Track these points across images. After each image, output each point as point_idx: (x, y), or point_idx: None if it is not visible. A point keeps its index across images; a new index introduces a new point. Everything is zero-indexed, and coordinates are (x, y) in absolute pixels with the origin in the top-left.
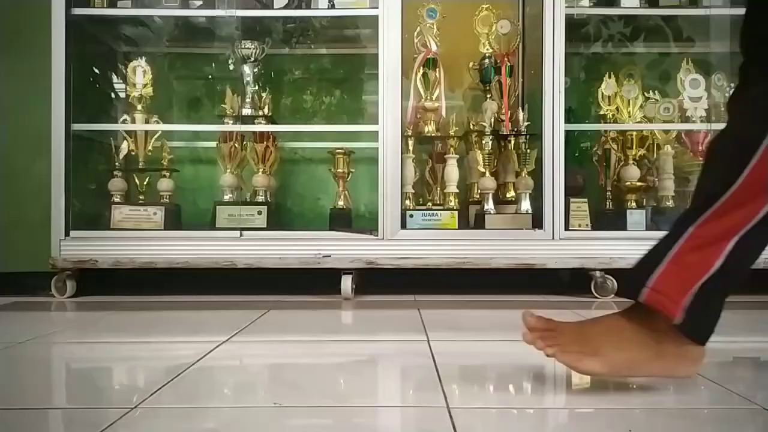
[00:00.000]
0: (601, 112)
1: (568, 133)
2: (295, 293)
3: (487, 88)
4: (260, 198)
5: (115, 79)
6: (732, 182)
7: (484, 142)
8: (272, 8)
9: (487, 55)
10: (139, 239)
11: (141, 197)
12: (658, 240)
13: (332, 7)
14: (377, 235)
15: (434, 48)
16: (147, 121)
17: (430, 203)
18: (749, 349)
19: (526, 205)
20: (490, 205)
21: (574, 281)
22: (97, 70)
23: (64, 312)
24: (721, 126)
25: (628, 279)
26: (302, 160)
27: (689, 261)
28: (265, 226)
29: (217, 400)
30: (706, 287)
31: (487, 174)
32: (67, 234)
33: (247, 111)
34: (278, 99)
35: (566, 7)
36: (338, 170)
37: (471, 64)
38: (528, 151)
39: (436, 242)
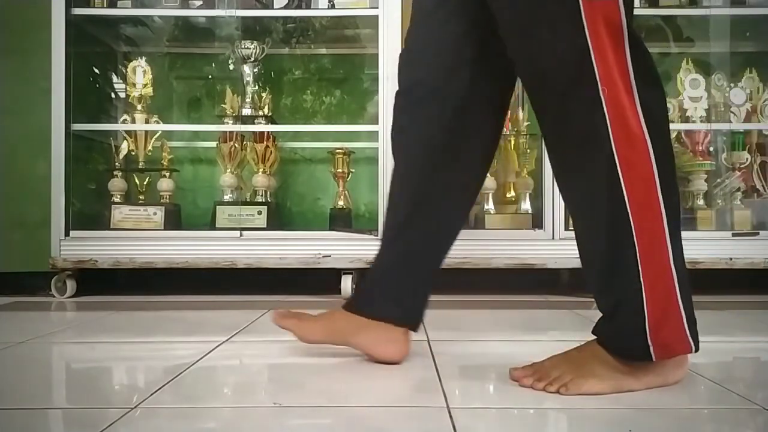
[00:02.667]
0: None
1: None
2: (295, 293)
3: None
4: (260, 198)
5: (115, 79)
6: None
7: None
8: (272, 8)
9: None
10: (138, 239)
11: (141, 197)
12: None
13: (332, 7)
14: (377, 235)
15: None
16: (147, 121)
17: None
18: (749, 349)
19: (526, 205)
20: (490, 205)
21: (574, 281)
22: (97, 70)
23: (64, 312)
24: (722, 126)
25: (624, 340)
26: (302, 160)
27: (660, 294)
28: (265, 226)
29: (217, 400)
30: (684, 302)
31: (488, 174)
32: (67, 234)
33: (247, 111)
34: (278, 99)
35: None
36: (338, 170)
37: None
38: (528, 151)
39: None
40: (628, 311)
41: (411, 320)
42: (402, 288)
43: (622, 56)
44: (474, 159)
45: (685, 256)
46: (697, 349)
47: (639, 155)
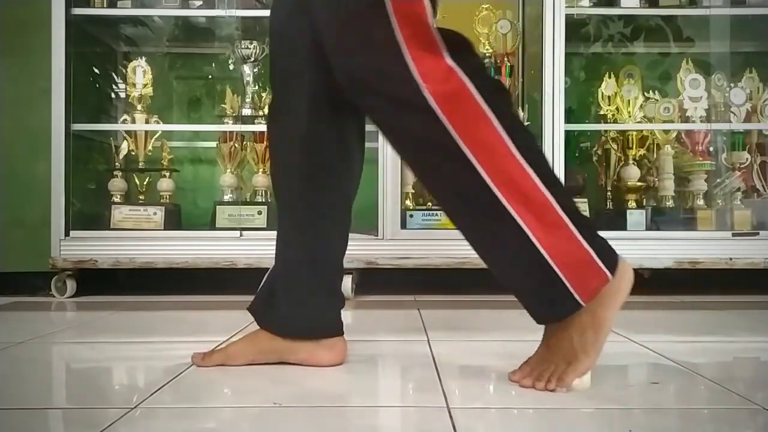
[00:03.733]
0: (601, 112)
1: (568, 133)
2: None
3: None
4: (260, 198)
5: (115, 79)
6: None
7: None
8: None
9: (487, 55)
10: (138, 239)
11: (141, 197)
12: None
13: None
14: (377, 235)
15: None
16: (147, 121)
17: (430, 203)
18: (749, 349)
19: None
20: None
21: None
22: (97, 70)
23: (64, 312)
24: (722, 126)
25: (556, 308)
26: None
27: (563, 247)
28: (265, 226)
29: (217, 400)
30: (587, 239)
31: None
32: (67, 234)
33: (247, 111)
34: None
35: (566, 7)
36: None
37: None
38: None
39: (436, 242)
40: (544, 281)
41: (336, 328)
42: (317, 300)
43: (438, 55)
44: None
45: (685, 256)
46: (613, 272)
47: (485, 131)
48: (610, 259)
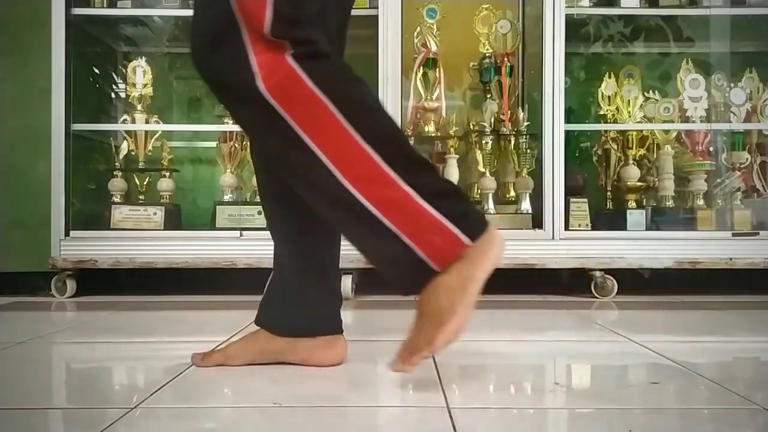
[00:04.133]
0: (601, 112)
1: (568, 133)
2: None
3: (487, 88)
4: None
5: (115, 79)
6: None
7: (484, 142)
8: None
9: (487, 54)
10: (138, 239)
11: (141, 197)
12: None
13: None
14: None
15: (434, 48)
16: (147, 121)
17: None
18: (749, 349)
19: (526, 205)
20: (490, 205)
21: (574, 281)
22: (97, 70)
23: (64, 312)
24: (722, 126)
25: (412, 272)
26: None
27: (409, 217)
28: (265, 226)
29: (217, 400)
30: (440, 207)
31: (487, 174)
32: (67, 234)
33: None
34: None
35: (566, 7)
36: None
37: (471, 64)
38: (528, 151)
39: None
40: (398, 254)
41: (335, 326)
42: (316, 299)
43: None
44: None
45: (685, 256)
46: (474, 237)
47: (318, 112)
48: (471, 225)
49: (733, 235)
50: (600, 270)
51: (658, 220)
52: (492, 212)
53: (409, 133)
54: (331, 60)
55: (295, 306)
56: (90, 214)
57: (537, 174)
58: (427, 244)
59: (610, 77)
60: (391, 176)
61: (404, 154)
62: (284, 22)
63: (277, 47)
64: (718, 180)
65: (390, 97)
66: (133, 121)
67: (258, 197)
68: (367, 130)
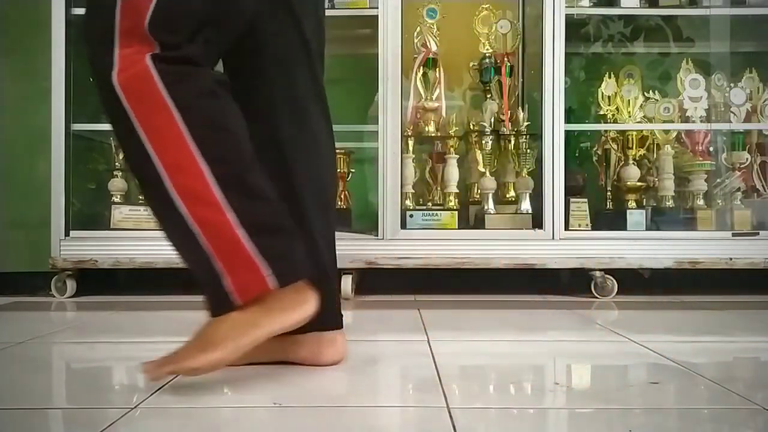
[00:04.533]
0: (601, 112)
1: (568, 133)
2: None
3: (487, 88)
4: None
5: None
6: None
7: (484, 142)
8: None
9: (487, 55)
10: (138, 239)
11: (141, 197)
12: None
13: (332, 7)
14: (377, 235)
15: (434, 48)
16: None
17: (430, 203)
18: (749, 349)
19: (526, 205)
20: (490, 205)
21: (574, 281)
22: None
23: (64, 312)
24: (722, 126)
25: (214, 300)
26: None
27: (224, 246)
28: None
29: (217, 400)
30: (258, 243)
31: (487, 174)
32: (67, 234)
33: None
34: None
35: (566, 7)
36: (338, 170)
37: (471, 64)
38: (528, 151)
39: (436, 242)
40: (208, 274)
41: (334, 321)
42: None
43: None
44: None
45: (685, 256)
46: (282, 283)
47: (161, 115)
48: (284, 269)
49: (733, 235)
50: (600, 270)
51: (658, 220)
52: (492, 212)
53: (409, 133)
54: (195, 70)
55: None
56: (90, 214)
57: (537, 174)
58: (236, 276)
59: (610, 77)
60: (218, 199)
61: (240, 181)
62: (161, 21)
63: (143, 45)
64: (718, 180)
65: (390, 97)
66: None
67: None
68: (208, 147)
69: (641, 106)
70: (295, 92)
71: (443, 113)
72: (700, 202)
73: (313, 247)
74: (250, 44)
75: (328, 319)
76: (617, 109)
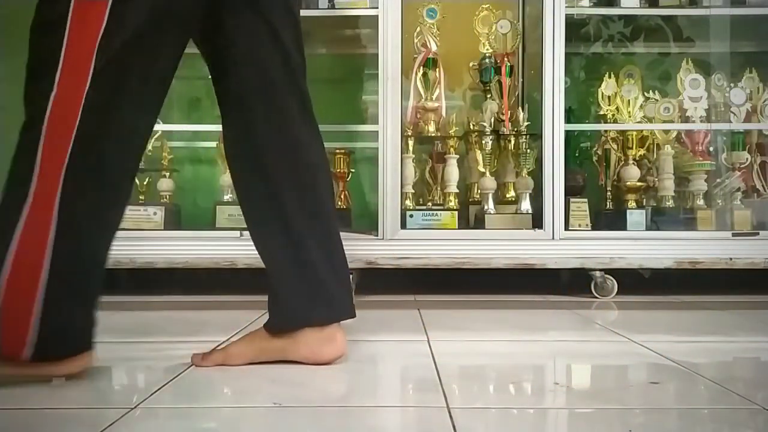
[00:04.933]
0: (601, 112)
1: (568, 133)
2: None
3: (487, 88)
4: None
5: None
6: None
7: (484, 142)
8: None
9: (487, 55)
10: (139, 239)
11: (141, 197)
12: None
13: (332, 7)
14: (377, 235)
15: (434, 48)
16: None
17: (430, 203)
18: (749, 349)
19: (526, 205)
20: (490, 205)
21: (574, 281)
22: None
23: None
24: (722, 126)
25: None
26: None
27: (18, 290)
28: None
29: (217, 400)
30: (52, 302)
31: (487, 174)
32: None
33: None
34: None
35: (566, 7)
36: (338, 170)
37: (471, 64)
38: (528, 151)
39: (436, 242)
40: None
41: (339, 313)
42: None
43: None
44: None
45: (685, 256)
46: (36, 358)
47: (61, 139)
48: (52, 343)
49: (733, 235)
50: (600, 270)
51: (658, 220)
52: (492, 212)
53: (409, 133)
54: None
55: (289, 299)
56: None
57: (537, 174)
58: (5, 328)
59: (610, 77)
60: (50, 236)
61: (84, 226)
62: None
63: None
64: (718, 180)
65: (390, 97)
66: None
67: None
68: (78, 161)
69: (641, 106)
70: (271, 93)
71: (443, 113)
72: (700, 202)
73: (299, 248)
74: (220, 42)
75: (320, 313)
76: (617, 109)
